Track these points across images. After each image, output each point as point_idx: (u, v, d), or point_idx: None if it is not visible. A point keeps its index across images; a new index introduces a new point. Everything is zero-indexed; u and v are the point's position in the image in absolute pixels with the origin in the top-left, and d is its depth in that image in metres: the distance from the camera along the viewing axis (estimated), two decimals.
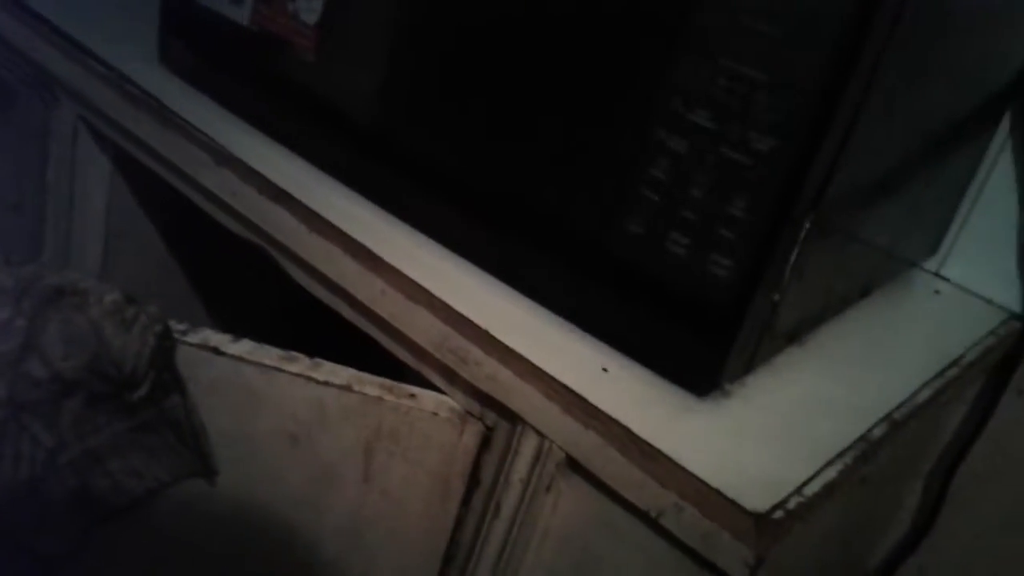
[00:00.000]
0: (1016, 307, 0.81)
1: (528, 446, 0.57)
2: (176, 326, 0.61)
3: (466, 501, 0.63)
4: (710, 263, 0.54)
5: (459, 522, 0.64)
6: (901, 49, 0.51)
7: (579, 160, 0.59)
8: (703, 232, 0.54)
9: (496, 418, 0.60)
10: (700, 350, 0.57)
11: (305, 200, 0.68)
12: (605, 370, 0.59)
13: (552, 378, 0.56)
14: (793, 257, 0.54)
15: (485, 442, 0.61)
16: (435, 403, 0.62)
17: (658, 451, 0.53)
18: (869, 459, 0.58)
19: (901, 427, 0.61)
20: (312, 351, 0.65)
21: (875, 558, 0.91)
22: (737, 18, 0.50)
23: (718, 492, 0.51)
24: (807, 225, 0.53)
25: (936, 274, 0.85)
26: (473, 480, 0.62)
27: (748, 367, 0.61)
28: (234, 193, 0.70)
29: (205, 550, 0.66)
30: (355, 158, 0.71)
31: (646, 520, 0.53)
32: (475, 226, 0.65)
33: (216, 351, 0.61)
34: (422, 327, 0.61)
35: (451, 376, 0.61)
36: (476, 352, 0.58)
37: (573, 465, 0.56)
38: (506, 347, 0.58)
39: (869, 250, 0.69)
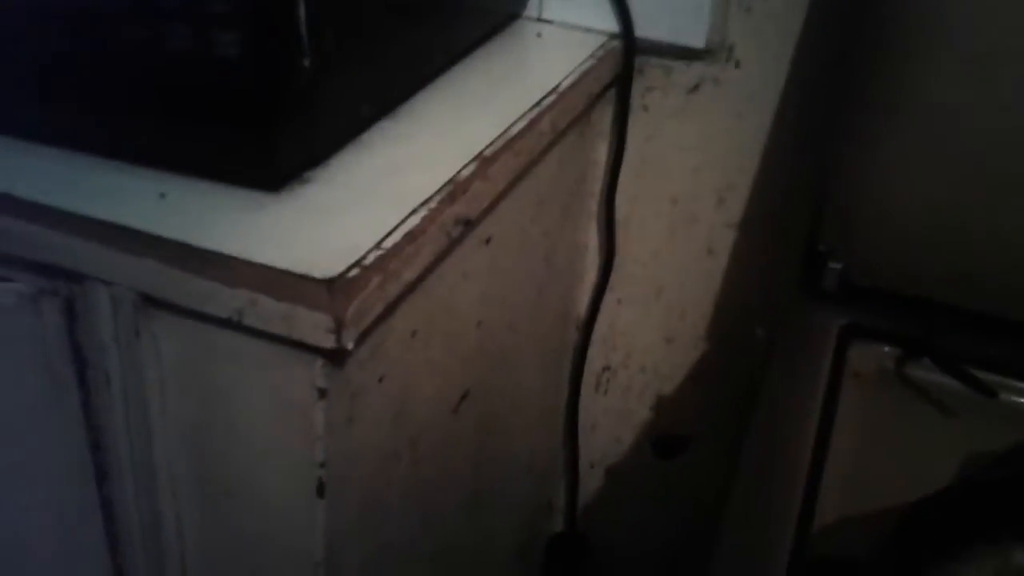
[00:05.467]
0: (614, 27, 0.82)
1: (100, 299, 0.52)
2: None
3: (83, 385, 0.58)
4: (216, 44, 0.50)
5: (90, 415, 0.58)
6: None
7: None
8: (196, 10, 0.49)
9: (68, 284, 0.54)
10: (245, 141, 0.53)
11: None
12: (163, 195, 0.54)
13: (105, 222, 0.51)
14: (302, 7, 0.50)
15: (71, 313, 0.56)
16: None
17: (220, 255, 0.49)
18: (457, 199, 0.57)
19: (493, 162, 0.61)
20: None
21: (578, 303, 0.95)
22: None
23: (288, 273, 0.48)
24: None
25: (539, 19, 0.84)
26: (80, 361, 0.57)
27: (329, 148, 0.59)
28: None
29: None
30: None
31: (236, 328, 0.50)
32: None
33: None
34: None
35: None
36: (20, 224, 0.52)
37: (151, 301, 0.52)
38: (48, 208, 0.52)
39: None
